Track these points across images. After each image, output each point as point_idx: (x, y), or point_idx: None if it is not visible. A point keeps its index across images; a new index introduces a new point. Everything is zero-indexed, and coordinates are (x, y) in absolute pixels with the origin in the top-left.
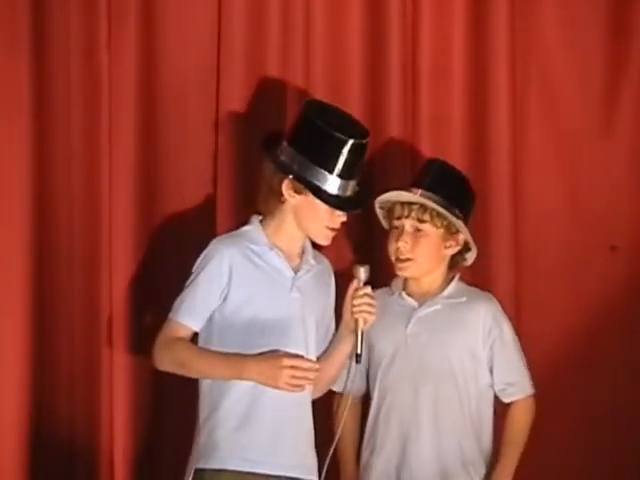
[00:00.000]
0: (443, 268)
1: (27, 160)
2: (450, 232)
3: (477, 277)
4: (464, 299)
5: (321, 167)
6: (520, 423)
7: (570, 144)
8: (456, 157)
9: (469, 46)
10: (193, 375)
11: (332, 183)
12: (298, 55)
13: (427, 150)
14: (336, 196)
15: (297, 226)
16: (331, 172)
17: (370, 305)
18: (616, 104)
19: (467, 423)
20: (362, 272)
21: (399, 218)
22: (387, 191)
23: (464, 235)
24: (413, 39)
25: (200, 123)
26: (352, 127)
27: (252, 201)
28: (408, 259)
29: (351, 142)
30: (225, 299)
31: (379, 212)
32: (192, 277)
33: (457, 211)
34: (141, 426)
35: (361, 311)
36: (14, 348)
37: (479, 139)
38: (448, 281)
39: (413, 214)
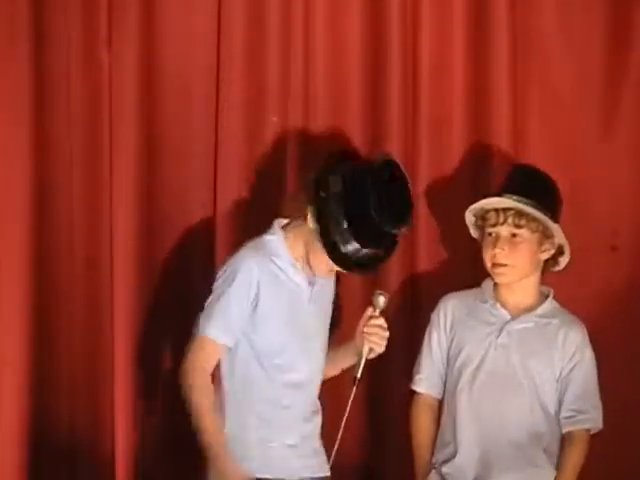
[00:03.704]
0: (538, 273)
1: (27, 159)
2: (546, 236)
3: (480, 278)
4: (556, 321)
5: (352, 235)
6: (583, 453)
7: (570, 144)
8: (456, 157)
9: (469, 46)
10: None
11: (350, 246)
12: (298, 55)
13: (427, 150)
14: (344, 254)
15: (304, 245)
16: (358, 244)
17: (380, 337)
18: (616, 104)
19: (548, 439)
20: (381, 301)
21: (494, 225)
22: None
23: (559, 239)
24: (413, 39)
25: (200, 123)
26: (399, 216)
27: (250, 201)
28: (505, 265)
29: (391, 235)
30: (255, 310)
31: (469, 220)
32: (220, 291)
33: (550, 215)
34: (142, 426)
35: (370, 340)
36: (14, 348)
37: (479, 139)
38: (541, 297)
39: (509, 220)
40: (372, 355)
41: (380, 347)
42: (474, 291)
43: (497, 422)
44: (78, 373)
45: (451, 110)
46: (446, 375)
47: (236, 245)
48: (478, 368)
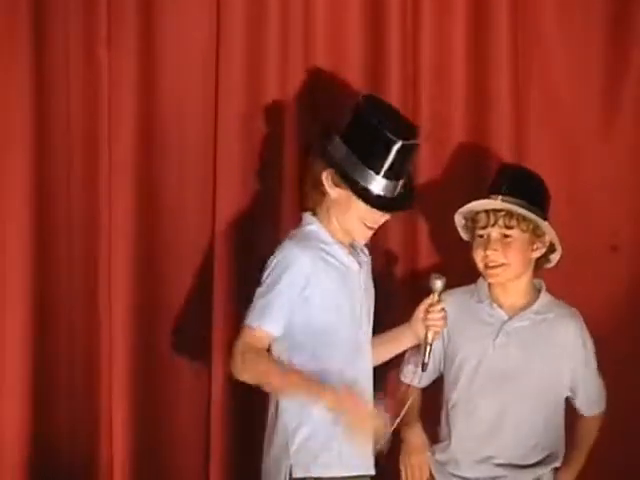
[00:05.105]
0: (530, 271)
1: (27, 159)
2: (536, 235)
3: (479, 276)
4: (552, 315)
5: (367, 166)
6: (593, 435)
7: (570, 144)
8: (456, 157)
9: (470, 46)
10: (269, 390)
11: (377, 183)
12: (298, 55)
13: (427, 150)
14: (379, 196)
15: (336, 220)
16: (377, 172)
17: (443, 319)
18: (616, 104)
19: (545, 432)
20: (439, 284)
21: (485, 227)
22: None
23: (550, 236)
24: (414, 39)
25: (200, 123)
26: (403, 127)
27: (250, 201)
28: (501, 264)
29: (400, 143)
30: (307, 301)
31: (459, 223)
32: (270, 282)
33: (540, 212)
34: (141, 426)
35: (433, 325)
36: (14, 348)
37: (479, 139)
38: (535, 292)
39: (500, 221)
40: (436, 339)
41: (442, 329)
42: (470, 289)
43: (497, 422)
44: (77, 373)
45: (451, 110)
46: (442, 374)
47: (236, 245)
48: (477, 368)
